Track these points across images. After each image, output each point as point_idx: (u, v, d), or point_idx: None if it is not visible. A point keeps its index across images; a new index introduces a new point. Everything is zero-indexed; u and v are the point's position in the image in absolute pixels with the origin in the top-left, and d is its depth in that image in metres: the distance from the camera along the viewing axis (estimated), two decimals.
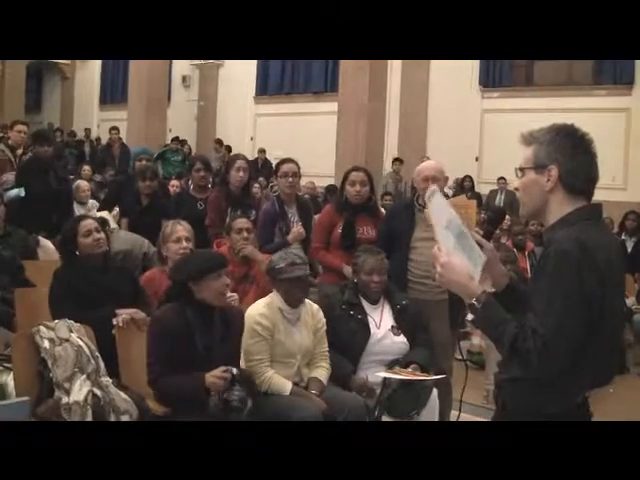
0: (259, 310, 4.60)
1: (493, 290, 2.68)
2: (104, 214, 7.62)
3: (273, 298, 4.69)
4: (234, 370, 4.05)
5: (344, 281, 5.36)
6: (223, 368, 4.04)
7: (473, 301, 2.48)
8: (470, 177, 15.33)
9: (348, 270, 5.43)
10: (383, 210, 6.95)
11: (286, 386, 4.50)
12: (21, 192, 7.36)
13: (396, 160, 15.34)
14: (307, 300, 4.83)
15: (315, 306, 4.87)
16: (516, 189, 2.68)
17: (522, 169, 2.60)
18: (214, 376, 4.00)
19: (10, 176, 8.04)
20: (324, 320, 4.82)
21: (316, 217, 6.46)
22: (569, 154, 2.51)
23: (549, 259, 2.40)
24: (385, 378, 4.66)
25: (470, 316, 5.42)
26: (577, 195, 2.53)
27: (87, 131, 20.74)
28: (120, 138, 16.26)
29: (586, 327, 2.36)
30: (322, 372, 4.72)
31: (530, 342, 2.31)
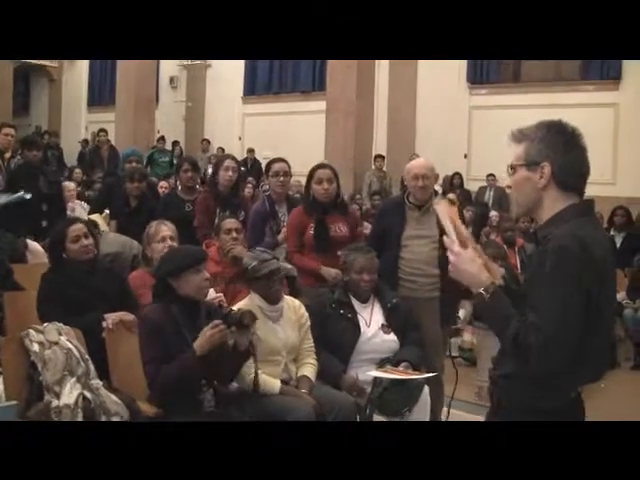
0: None
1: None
2: (95, 217, 7.61)
3: (252, 298, 4.69)
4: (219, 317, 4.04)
5: (323, 284, 5.35)
6: (207, 328, 4.01)
7: (481, 290, 2.48)
8: (459, 174, 15.32)
9: (326, 271, 5.43)
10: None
11: (275, 385, 4.50)
12: (26, 195, 7.32)
13: (378, 157, 15.31)
14: (288, 297, 4.85)
15: (297, 302, 4.88)
16: (508, 187, 2.68)
17: (513, 167, 2.59)
18: (206, 334, 3.97)
19: None
20: (307, 315, 4.82)
21: None
22: (561, 150, 2.50)
23: (548, 256, 2.40)
24: (376, 376, 4.65)
25: (462, 312, 5.42)
26: (570, 191, 2.53)
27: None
28: (109, 140, 16.21)
29: (584, 323, 2.37)
30: (310, 369, 4.72)
31: (532, 338, 2.32)
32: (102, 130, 16.18)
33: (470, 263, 2.53)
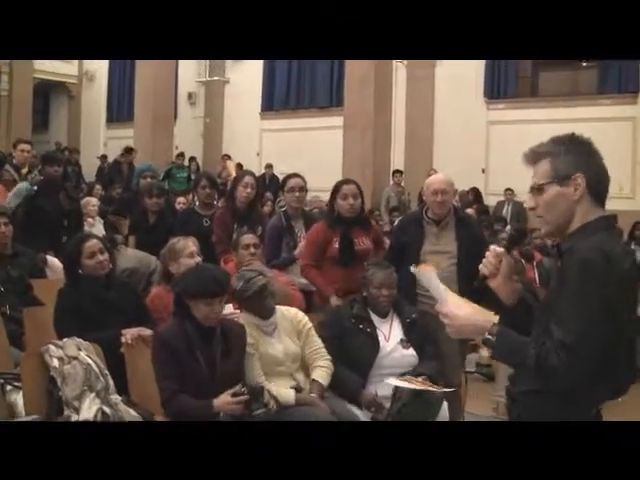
0: None
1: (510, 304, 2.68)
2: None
3: (245, 317, 4.65)
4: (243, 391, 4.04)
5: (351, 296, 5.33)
6: (231, 391, 4.02)
7: (487, 336, 2.46)
8: (475, 189, 15.25)
9: (335, 301, 5.42)
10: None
11: (290, 396, 4.46)
12: (33, 187, 7.37)
13: (396, 172, 15.30)
14: (281, 307, 4.81)
15: (292, 309, 4.85)
16: (532, 209, 2.60)
17: (540, 187, 2.52)
18: (229, 403, 4.00)
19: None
20: (306, 320, 4.81)
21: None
22: (589, 160, 2.48)
23: (572, 269, 2.36)
24: (395, 391, 4.64)
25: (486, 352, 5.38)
26: (599, 202, 2.50)
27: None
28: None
29: (609, 337, 2.33)
30: (320, 373, 4.69)
31: (554, 359, 2.30)
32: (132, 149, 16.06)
33: (462, 317, 2.54)
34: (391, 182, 15.00)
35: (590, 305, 2.31)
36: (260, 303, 4.60)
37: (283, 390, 4.49)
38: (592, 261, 2.33)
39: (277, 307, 4.76)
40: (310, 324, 4.82)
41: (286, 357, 4.64)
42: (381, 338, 4.96)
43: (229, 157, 18.90)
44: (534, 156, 2.56)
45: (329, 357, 4.78)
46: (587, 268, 2.33)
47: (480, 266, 2.71)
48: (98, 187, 13.35)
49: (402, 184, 15.21)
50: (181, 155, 17.32)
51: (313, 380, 4.66)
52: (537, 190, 2.53)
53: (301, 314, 4.85)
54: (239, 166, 17.37)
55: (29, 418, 3.49)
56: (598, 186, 2.49)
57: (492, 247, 2.73)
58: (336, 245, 5.63)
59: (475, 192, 15.16)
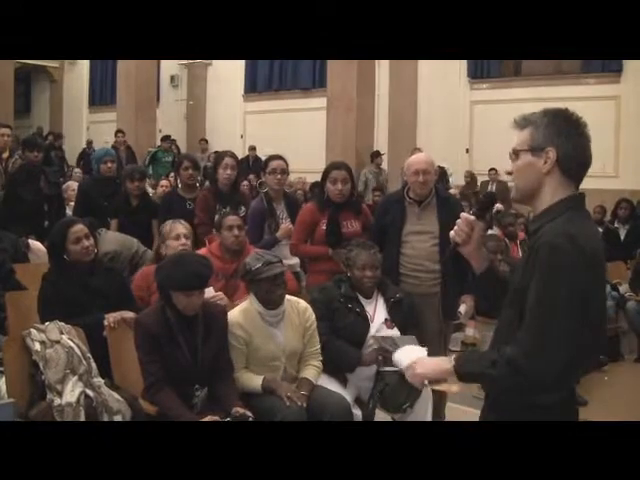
0: (235, 318, 4.52)
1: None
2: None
3: (251, 302, 4.60)
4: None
5: (336, 275, 5.32)
6: (217, 419, 3.99)
7: (451, 369, 2.56)
8: (441, 168, 15.14)
9: (336, 253, 5.46)
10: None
11: (257, 380, 4.45)
12: None
13: (374, 153, 15.18)
14: (294, 298, 4.77)
15: (302, 304, 4.78)
16: (509, 173, 2.62)
17: (517, 152, 2.55)
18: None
19: None
20: (313, 318, 4.74)
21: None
22: (567, 137, 2.47)
23: (540, 255, 2.35)
24: (379, 372, 4.64)
25: (462, 307, 5.42)
26: (570, 180, 2.49)
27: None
28: (125, 141, 15.84)
29: (579, 321, 2.31)
30: (312, 372, 4.64)
31: (503, 368, 2.34)
32: (119, 131, 15.94)
33: (426, 365, 2.78)
34: (372, 164, 14.96)
35: (560, 293, 2.29)
36: (270, 290, 4.50)
37: (251, 376, 4.48)
38: (559, 247, 2.31)
39: (287, 298, 4.67)
40: (315, 323, 4.75)
41: (283, 352, 4.58)
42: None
43: (206, 141, 18.86)
44: (521, 123, 2.58)
45: (321, 357, 4.76)
46: (555, 255, 2.31)
47: (451, 234, 2.76)
48: (77, 170, 13.27)
49: (381, 165, 15.16)
50: (167, 138, 17.19)
51: (304, 378, 4.59)
52: (514, 155, 2.57)
53: (310, 311, 4.76)
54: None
55: (6, 401, 3.47)
56: (571, 164, 2.48)
57: (463, 215, 2.77)
58: (323, 227, 5.66)
59: (440, 171, 15.09)
